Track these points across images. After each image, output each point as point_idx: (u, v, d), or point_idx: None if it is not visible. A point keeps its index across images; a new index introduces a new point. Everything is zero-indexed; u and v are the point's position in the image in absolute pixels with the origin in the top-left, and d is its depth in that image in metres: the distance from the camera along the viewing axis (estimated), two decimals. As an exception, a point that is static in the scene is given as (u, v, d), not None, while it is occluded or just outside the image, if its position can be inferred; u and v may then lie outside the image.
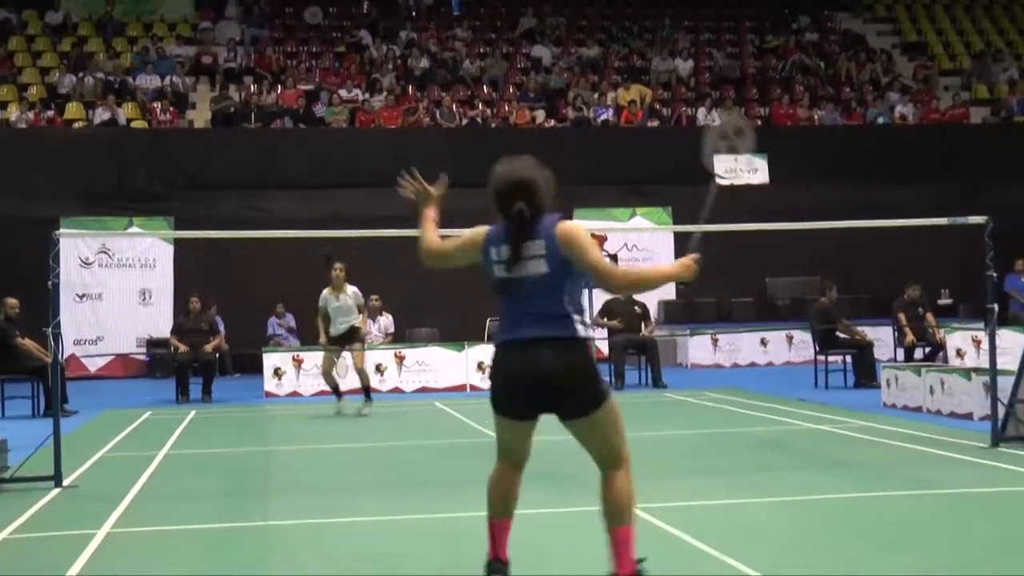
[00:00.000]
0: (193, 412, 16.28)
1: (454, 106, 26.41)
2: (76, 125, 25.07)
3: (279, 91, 26.50)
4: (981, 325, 16.22)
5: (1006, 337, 15.78)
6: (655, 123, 26.98)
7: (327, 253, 15.74)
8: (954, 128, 27.11)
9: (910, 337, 18.66)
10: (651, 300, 22.55)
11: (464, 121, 26.19)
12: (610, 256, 21.36)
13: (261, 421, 15.82)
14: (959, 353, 18.62)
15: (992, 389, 11.18)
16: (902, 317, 18.87)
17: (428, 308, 21.83)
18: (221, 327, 20.16)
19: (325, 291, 15.69)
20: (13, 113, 24.70)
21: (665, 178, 24.33)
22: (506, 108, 26.99)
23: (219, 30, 29.00)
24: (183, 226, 21.80)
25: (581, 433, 5.53)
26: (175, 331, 18.96)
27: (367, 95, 26.75)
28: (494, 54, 29.26)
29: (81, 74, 26.14)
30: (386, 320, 20.50)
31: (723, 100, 27.55)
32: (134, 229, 22.84)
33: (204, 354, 18.29)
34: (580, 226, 5.53)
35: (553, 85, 27.74)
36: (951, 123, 27.50)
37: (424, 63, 28.26)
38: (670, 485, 9.41)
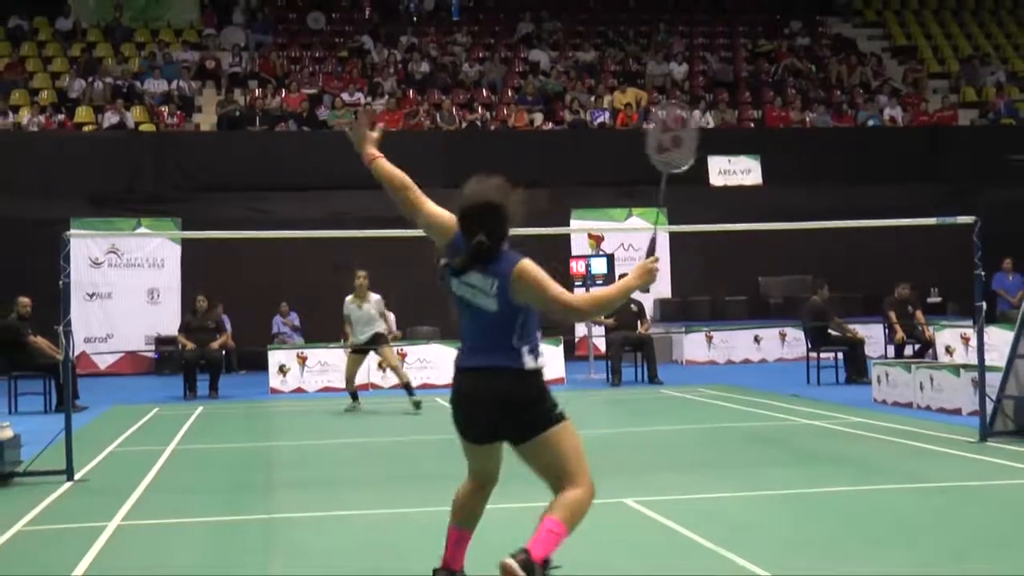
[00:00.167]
0: (200, 408, 16.30)
1: (454, 109, 26.42)
2: (86, 128, 25.07)
3: (283, 95, 26.49)
4: (969, 322, 16.25)
5: (994, 334, 15.77)
6: (650, 125, 26.93)
7: (336, 263, 15.67)
8: (943, 130, 27.11)
9: (900, 334, 18.67)
10: (647, 298, 22.56)
11: (464, 124, 26.19)
12: (607, 256, 21.40)
13: (266, 417, 15.83)
14: (948, 350, 18.65)
15: (980, 385, 11.19)
16: (892, 315, 18.88)
17: (429, 306, 21.79)
18: (228, 325, 20.16)
19: (348, 298, 15.57)
20: (25, 117, 24.70)
21: (660, 179, 24.33)
22: (505, 111, 26.99)
23: (224, 36, 29.00)
24: (190, 227, 21.81)
25: (527, 457, 5.35)
26: (182, 329, 18.97)
27: (369, 98, 26.76)
28: (493, 58, 29.26)
29: (90, 79, 26.13)
30: (390, 318, 20.46)
31: (717, 103, 27.55)
32: (142, 230, 22.87)
33: (211, 351, 18.30)
34: (535, 268, 5.24)
35: (551, 88, 27.73)
36: (940, 125, 27.49)
37: (424, 67, 28.26)
38: (666, 479, 9.42)
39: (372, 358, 16.87)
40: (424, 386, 18.67)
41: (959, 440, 11.09)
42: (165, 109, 25.72)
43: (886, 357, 18.62)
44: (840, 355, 18.45)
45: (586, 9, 32.17)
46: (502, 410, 5.26)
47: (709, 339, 23.02)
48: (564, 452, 5.31)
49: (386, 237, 11.91)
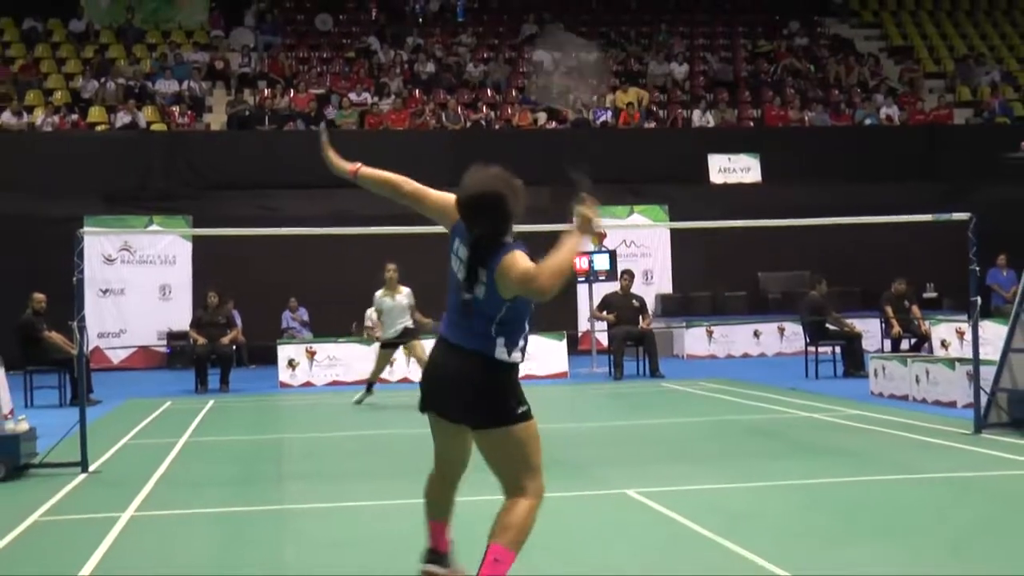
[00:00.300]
0: (211, 401, 16.31)
1: (459, 109, 26.41)
2: (99, 128, 25.08)
3: (291, 95, 26.49)
4: (964, 317, 16.24)
5: (988, 328, 15.77)
6: (652, 124, 26.96)
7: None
8: (938, 129, 27.08)
9: (897, 329, 18.66)
10: (648, 294, 22.58)
11: (468, 123, 26.18)
12: (609, 253, 21.38)
13: (276, 410, 15.85)
14: (943, 344, 18.64)
15: (975, 378, 11.19)
16: (889, 310, 18.87)
17: (432, 301, 21.81)
18: (239, 321, 20.18)
19: (378, 292, 15.45)
20: (39, 117, 24.71)
21: (662, 177, 24.36)
22: (509, 110, 26.98)
23: (234, 37, 29.01)
24: (200, 224, 21.82)
25: (482, 447, 5.22)
26: (194, 324, 18.99)
27: (375, 98, 26.75)
28: (497, 59, 29.25)
29: (103, 79, 26.14)
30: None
31: (717, 102, 27.54)
32: (154, 227, 22.88)
33: (221, 346, 18.32)
34: (516, 260, 4.99)
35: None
36: (936, 124, 27.47)
37: (430, 68, 28.25)
38: (667, 470, 9.43)
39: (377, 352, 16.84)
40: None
41: (954, 432, 11.09)
42: (176, 109, 25.73)
43: (883, 351, 18.61)
44: (838, 349, 18.44)
45: (588, 10, 32.14)
46: (461, 390, 5.13)
47: (709, 334, 23.01)
48: (521, 453, 5.17)
49: (391, 234, 11.90)
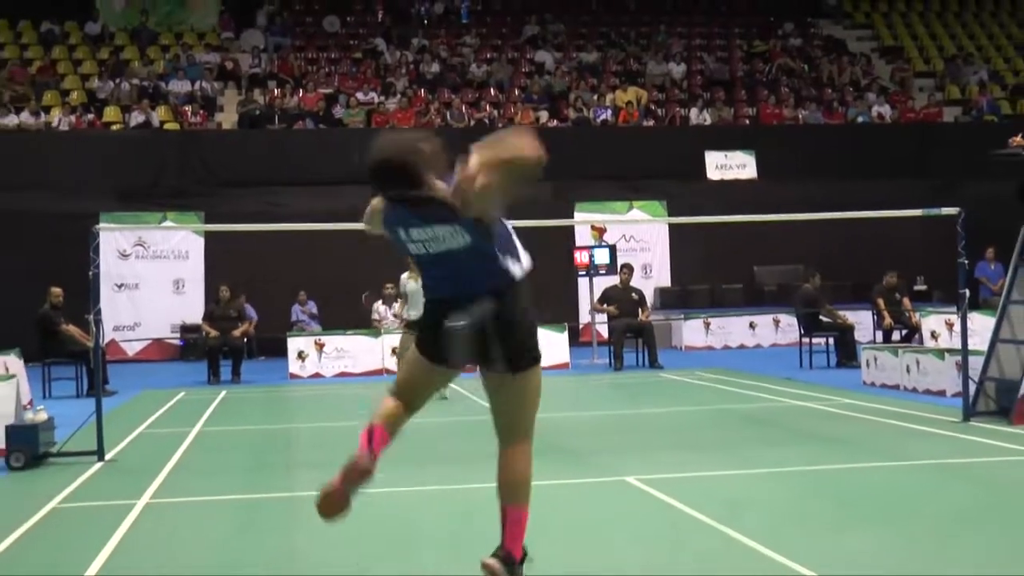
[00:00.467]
0: (224, 392, 16.32)
1: (463, 107, 26.40)
2: (114, 127, 25.07)
3: (300, 95, 26.46)
4: (954, 309, 16.23)
5: (976, 320, 15.72)
6: (650, 123, 26.92)
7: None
8: (928, 126, 27.06)
9: (888, 320, 18.65)
10: (647, 287, 22.57)
11: (472, 121, 26.16)
12: (609, 247, 21.39)
13: (286, 400, 15.86)
14: (933, 335, 18.62)
15: (964, 368, 11.19)
16: (880, 302, 18.86)
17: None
18: (253, 314, 20.23)
19: (404, 275, 15.45)
20: (56, 116, 24.71)
21: (660, 173, 24.34)
22: (511, 109, 26.94)
23: (245, 39, 28.99)
24: (212, 220, 21.82)
25: (499, 389, 5.08)
26: (206, 318, 19.01)
27: (382, 98, 26.73)
28: (500, 59, 29.21)
29: (118, 80, 26.14)
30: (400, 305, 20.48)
31: (714, 101, 27.50)
32: (167, 223, 22.90)
33: (233, 339, 18.32)
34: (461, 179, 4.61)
35: (555, 88, 27.69)
36: (926, 122, 27.44)
37: (435, 68, 28.22)
38: (666, 458, 9.43)
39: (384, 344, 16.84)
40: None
41: (943, 420, 11.09)
42: (188, 108, 25.71)
43: (874, 342, 18.59)
44: (831, 340, 18.45)
45: (589, 11, 32.08)
46: (507, 335, 4.92)
47: (707, 325, 23.01)
48: (536, 394, 5.12)
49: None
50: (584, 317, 22.43)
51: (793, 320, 20.11)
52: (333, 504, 5.07)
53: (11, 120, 24.44)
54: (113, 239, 22.56)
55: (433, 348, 5.09)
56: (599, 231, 23.94)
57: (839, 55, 30.42)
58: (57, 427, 10.11)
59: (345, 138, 24.95)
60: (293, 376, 18.61)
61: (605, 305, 19.16)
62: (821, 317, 18.49)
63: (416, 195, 4.82)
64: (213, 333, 18.31)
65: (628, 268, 19.67)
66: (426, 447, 10.64)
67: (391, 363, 18.28)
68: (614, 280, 19.77)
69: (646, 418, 12.70)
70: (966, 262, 11.18)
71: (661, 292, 24.25)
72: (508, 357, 5.00)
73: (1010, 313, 11.36)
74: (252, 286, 21.16)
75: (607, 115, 26.64)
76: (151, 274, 23.18)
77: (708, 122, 26.77)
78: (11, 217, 21.81)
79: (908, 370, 14.17)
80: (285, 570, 6.20)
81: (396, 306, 20.30)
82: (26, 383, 13.84)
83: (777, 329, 23.05)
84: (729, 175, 25.09)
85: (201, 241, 23.21)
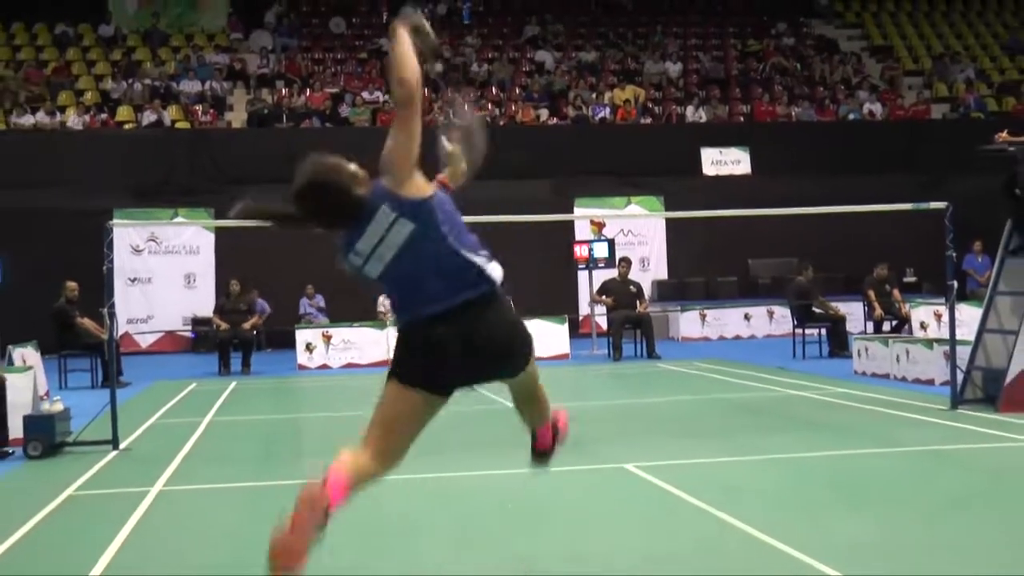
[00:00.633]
0: (234, 383, 16.33)
1: (465, 106, 26.37)
2: (126, 126, 25.06)
3: (307, 94, 26.46)
4: (942, 300, 16.20)
5: (964, 311, 15.75)
6: (648, 120, 26.90)
7: None
8: (917, 123, 27.03)
9: (879, 311, 18.64)
10: (645, 280, 22.55)
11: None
12: (608, 241, 21.37)
13: (294, 391, 15.86)
14: (922, 325, 18.62)
15: (952, 357, 11.20)
16: (871, 294, 18.84)
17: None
18: (267, 308, 20.21)
19: None
20: (71, 116, 24.70)
21: (657, 170, 24.32)
22: (513, 107, 26.93)
23: (253, 40, 28.98)
24: (222, 216, 21.76)
25: (521, 387, 4.88)
26: (217, 311, 19.00)
27: (387, 97, 26.73)
28: (501, 58, 29.19)
29: (130, 80, 26.13)
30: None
31: (709, 99, 27.47)
32: (179, 219, 22.88)
33: (243, 331, 18.32)
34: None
35: (555, 86, 27.66)
36: (914, 119, 27.41)
37: (438, 67, 28.20)
38: (663, 446, 9.44)
39: (389, 336, 16.81)
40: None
41: (932, 408, 11.10)
42: (199, 108, 25.70)
43: (865, 333, 18.57)
44: (823, 331, 18.44)
45: (588, 12, 32.03)
46: (503, 342, 4.53)
47: (703, 317, 23.00)
48: (534, 372, 4.85)
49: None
50: (584, 309, 22.41)
51: (787, 312, 20.11)
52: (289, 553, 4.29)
53: (27, 120, 24.44)
54: (126, 235, 22.55)
55: (424, 372, 4.60)
56: (598, 225, 23.92)
57: (831, 54, 30.39)
58: (73, 417, 10.13)
59: (351, 136, 24.96)
60: (301, 367, 18.61)
61: (604, 297, 19.14)
62: (814, 308, 18.49)
63: (348, 210, 4.52)
64: (224, 326, 18.31)
65: (626, 261, 19.65)
66: (428, 436, 10.64)
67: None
68: (613, 273, 19.76)
69: (644, 407, 12.70)
70: (954, 255, 11.20)
71: (658, 285, 24.24)
72: (512, 372, 4.75)
73: (996, 304, 11.36)
74: (261, 280, 21.15)
75: (606, 113, 26.62)
76: (163, 269, 23.18)
77: (704, 119, 26.75)
78: (28, 214, 21.81)
79: (898, 360, 14.17)
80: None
81: None
82: (43, 375, 13.83)
83: (771, 320, 23.04)
84: (724, 171, 25.08)
85: (211, 237, 23.20)
